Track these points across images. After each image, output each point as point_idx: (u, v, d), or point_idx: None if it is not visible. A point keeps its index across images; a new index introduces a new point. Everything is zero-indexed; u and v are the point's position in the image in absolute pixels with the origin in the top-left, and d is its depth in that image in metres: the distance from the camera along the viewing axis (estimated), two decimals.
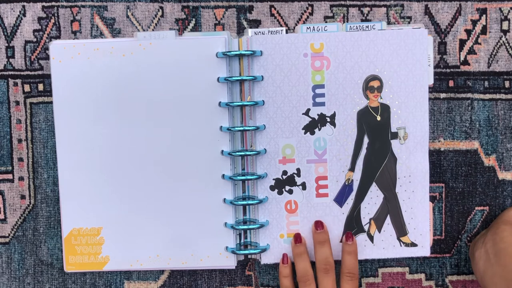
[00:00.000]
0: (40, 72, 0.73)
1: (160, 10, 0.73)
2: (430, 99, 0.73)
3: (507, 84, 0.74)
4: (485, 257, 0.68)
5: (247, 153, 0.69)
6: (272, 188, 0.70)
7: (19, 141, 0.73)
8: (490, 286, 0.67)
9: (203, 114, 0.69)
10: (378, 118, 0.70)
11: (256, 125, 0.69)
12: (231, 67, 0.69)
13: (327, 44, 0.69)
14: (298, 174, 0.70)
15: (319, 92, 0.69)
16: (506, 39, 0.74)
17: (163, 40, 0.68)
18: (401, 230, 0.71)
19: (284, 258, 0.71)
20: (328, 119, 0.70)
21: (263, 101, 0.69)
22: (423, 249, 0.72)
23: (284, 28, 0.69)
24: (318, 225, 0.70)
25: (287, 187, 0.70)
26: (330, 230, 0.71)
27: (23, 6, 0.72)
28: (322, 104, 0.69)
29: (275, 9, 0.73)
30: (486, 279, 0.67)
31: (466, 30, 0.73)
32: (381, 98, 0.69)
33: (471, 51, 0.74)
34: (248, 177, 0.69)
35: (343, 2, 0.73)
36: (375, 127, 0.70)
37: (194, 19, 0.73)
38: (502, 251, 0.67)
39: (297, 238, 0.70)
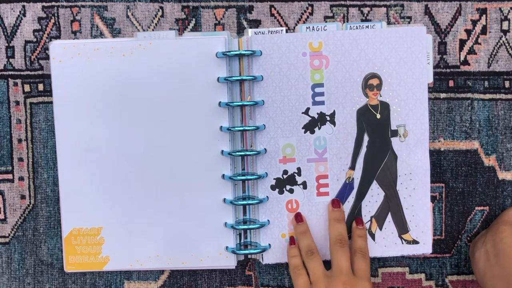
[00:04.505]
0: (40, 72, 0.73)
1: (160, 10, 0.73)
2: (430, 99, 0.73)
3: (507, 84, 0.74)
4: (485, 258, 0.68)
5: (247, 153, 0.69)
6: (273, 187, 0.70)
7: (19, 141, 0.73)
8: (489, 287, 0.67)
9: (203, 114, 0.69)
10: (378, 116, 0.70)
11: (256, 125, 0.69)
12: (231, 67, 0.69)
13: (326, 43, 0.69)
14: (299, 173, 0.70)
15: (318, 91, 0.69)
16: (506, 39, 0.74)
17: (163, 40, 0.69)
18: (402, 227, 0.71)
19: (292, 240, 0.70)
20: (328, 118, 0.70)
21: (263, 101, 0.69)
22: (425, 246, 0.71)
23: (284, 28, 0.69)
24: (335, 203, 0.70)
25: (288, 187, 0.70)
26: None
27: (23, 6, 0.73)
28: (322, 103, 0.69)
29: (275, 9, 0.73)
30: (485, 279, 0.67)
31: (466, 30, 0.74)
32: (380, 96, 0.70)
33: (471, 51, 0.74)
34: (248, 177, 0.69)
35: (343, 2, 0.73)
36: (375, 125, 0.70)
37: (194, 19, 0.73)
38: (501, 252, 0.67)
39: (298, 217, 0.70)
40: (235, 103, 0.68)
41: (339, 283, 0.66)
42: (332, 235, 0.69)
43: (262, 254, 0.71)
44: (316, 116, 0.70)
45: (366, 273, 0.68)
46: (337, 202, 0.70)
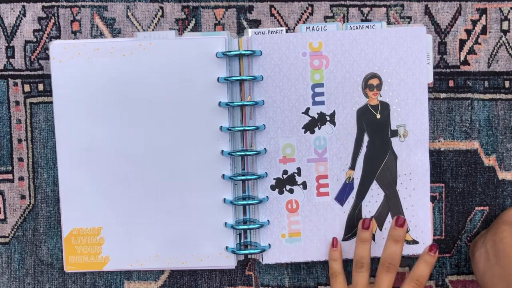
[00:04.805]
0: (40, 72, 0.73)
1: (160, 10, 0.73)
2: (430, 99, 0.73)
3: (507, 84, 0.74)
4: (485, 258, 0.68)
5: (247, 153, 0.69)
6: (273, 187, 0.70)
7: (19, 141, 0.73)
8: (490, 287, 0.66)
9: (203, 114, 0.69)
10: (378, 116, 0.70)
11: (256, 125, 0.69)
12: (231, 67, 0.69)
13: (326, 43, 0.69)
14: (299, 173, 0.70)
15: (318, 91, 0.69)
16: (506, 39, 0.74)
17: (163, 40, 0.69)
18: None
19: (334, 242, 0.70)
20: (328, 118, 0.70)
21: (263, 101, 0.69)
22: (425, 247, 0.71)
23: (284, 28, 0.69)
24: (400, 221, 0.68)
25: (288, 187, 0.70)
26: (331, 229, 0.71)
27: (23, 6, 0.72)
28: (322, 103, 0.69)
29: (275, 9, 0.73)
30: (486, 279, 0.67)
31: (466, 30, 0.74)
32: (380, 96, 0.70)
33: (471, 51, 0.74)
34: (248, 177, 0.69)
35: (343, 2, 0.73)
36: (375, 125, 0.70)
37: (194, 19, 0.73)
38: (501, 252, 0.66)
39: (366, 223, 0.69)
40: (235, 103, 0.68)
41: None
42: (383, 255, 0.68)
43: (262, 254, 0.71)
44: (316, 116, 0.69)
45: None
46: (403, 221, 0.68)
